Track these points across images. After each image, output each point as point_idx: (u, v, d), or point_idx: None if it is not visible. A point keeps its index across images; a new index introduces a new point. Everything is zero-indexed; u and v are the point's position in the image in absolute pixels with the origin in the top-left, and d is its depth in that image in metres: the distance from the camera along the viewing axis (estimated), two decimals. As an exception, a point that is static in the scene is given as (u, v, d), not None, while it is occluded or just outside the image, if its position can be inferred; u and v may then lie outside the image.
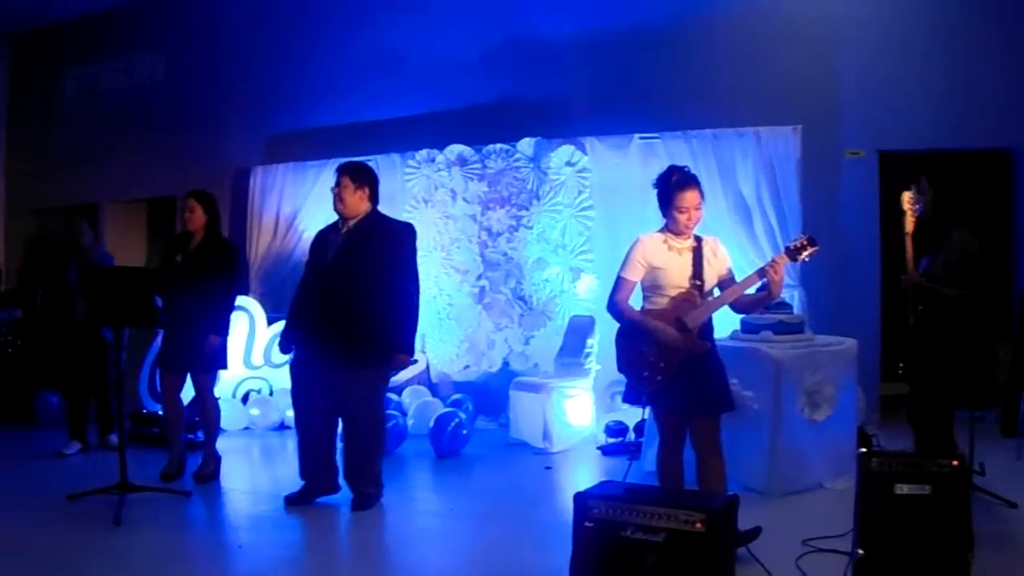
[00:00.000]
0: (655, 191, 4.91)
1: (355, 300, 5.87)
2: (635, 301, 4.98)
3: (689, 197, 4.78)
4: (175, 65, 12.17)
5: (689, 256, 4.85)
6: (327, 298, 5.94)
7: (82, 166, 12.92)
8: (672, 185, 4.82)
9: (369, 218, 6.10)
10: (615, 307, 4.91)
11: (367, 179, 6.11)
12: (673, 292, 4.82)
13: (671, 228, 4.87)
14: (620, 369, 4.97)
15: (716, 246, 4.95)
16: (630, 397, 4.97)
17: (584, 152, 8.72)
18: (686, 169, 4.90)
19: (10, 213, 13.96)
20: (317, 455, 6.14)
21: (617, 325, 4.97)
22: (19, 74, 14.01)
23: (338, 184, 6.04)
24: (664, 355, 4.75)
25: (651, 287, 4.89)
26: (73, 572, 4.88)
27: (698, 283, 4.81)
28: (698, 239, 4.91)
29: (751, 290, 4.82)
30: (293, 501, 6.12)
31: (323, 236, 6.21)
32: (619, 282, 4.92)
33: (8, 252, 13.74)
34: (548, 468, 7.30)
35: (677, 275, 4.82)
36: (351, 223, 6.05)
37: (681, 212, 4.78)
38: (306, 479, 6.17)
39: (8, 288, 11.99)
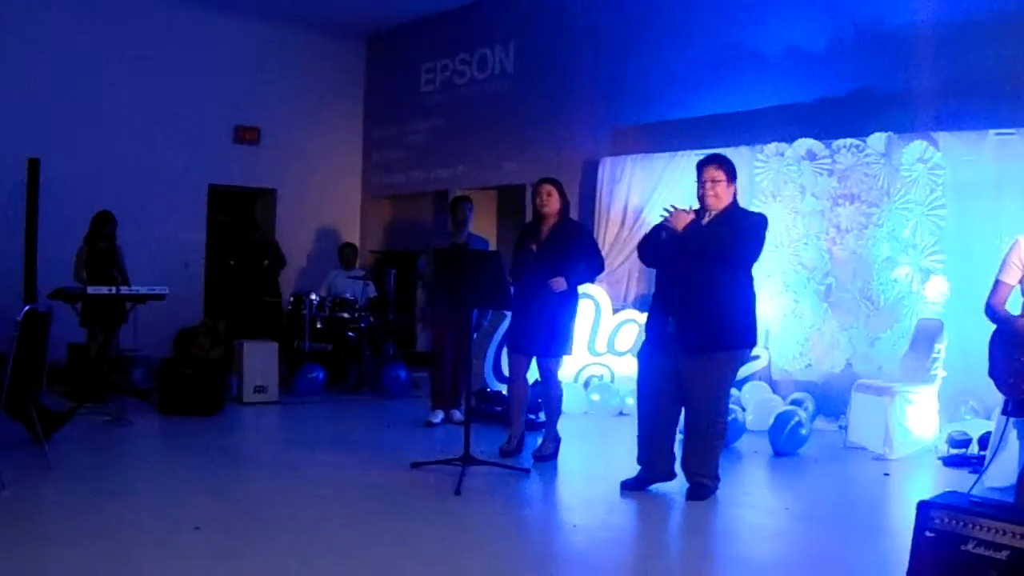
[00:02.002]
0: None
1: (713, 289, 6.02)
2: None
3: None
4: (524, 57, 12.77)
5: None
6: (684, 287, 6.08)
7: (434, 155, 14.01)
8: None
9: (730, 209, 6.22)
10: (990, 310, 5.01)
11: (735, 173, 6.25)
12: None
13: None
14: (990, 374, 4.99)
15: None
16: (1006, 408, 5.04)
17: (936, 148, 8.50)
18: None
19: (366, 199, 15.29)
20: (657, 442, 6.32)
21: (992, 328, 5.03)
22: (375, 71, 15.31)
23: (711, 178, 6.14)
24: None
25: None
26: (415, 537, 5.26)
27: None
28: None
29: None
30: (629, 486, 6.35)
31: None
32: (995, 285, 5.01)
33: (364, 235, 15.06)
34: (886, 475, 7.27)
35: None
36: (713, 214, 6.19)
37: None
38: (644, 465, 6.38)
39: (364, 268, 13.05)
